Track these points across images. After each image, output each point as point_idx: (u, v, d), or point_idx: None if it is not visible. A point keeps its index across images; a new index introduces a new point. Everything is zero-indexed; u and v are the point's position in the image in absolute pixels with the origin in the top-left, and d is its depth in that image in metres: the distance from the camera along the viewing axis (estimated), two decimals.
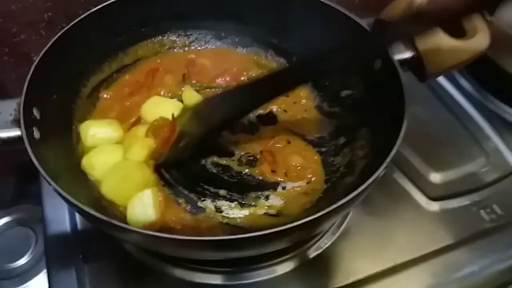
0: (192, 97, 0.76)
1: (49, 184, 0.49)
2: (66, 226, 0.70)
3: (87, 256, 0.66)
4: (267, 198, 0.66)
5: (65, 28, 0.67)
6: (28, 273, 0.83)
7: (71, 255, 0.66)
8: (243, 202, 0.66)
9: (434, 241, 0.69)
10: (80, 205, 0.47)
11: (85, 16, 0.69)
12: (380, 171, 0.51)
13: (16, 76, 0.86)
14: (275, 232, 0.45)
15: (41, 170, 0.49)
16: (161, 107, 0.73)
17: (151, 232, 0.45)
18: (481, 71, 0.92)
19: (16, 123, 0.55)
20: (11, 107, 0.57)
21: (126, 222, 0.59)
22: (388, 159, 0.53)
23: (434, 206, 0.74)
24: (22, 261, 0.83)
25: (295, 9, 0.76)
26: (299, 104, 0.78)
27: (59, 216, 0.71)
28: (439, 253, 0.68)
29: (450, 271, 0.67)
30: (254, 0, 0.78)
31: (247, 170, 0.69)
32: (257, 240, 0.47)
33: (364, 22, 0.70)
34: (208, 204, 0.65)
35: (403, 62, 0.66)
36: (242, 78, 0.81)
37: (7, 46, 0.83)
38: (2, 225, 0.88)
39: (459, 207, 0.74)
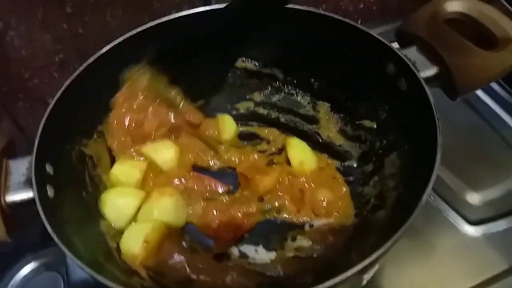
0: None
1: (64, 251, 0.47)
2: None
3: None
4: (294, 239, 0.62)
5: (76, 73, 0.64)
6: None
7: None
8: (269, 245, 0.62)
9: (479, 271, 0.64)
10: (95, 274, 0.45)
11: (97, 56, 0.66)
12: (413, 216, 0.46)
13: (33, 120, 0.85)
14: None
15: (55, 237, 0.47)
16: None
17: None
18: None
19: (28, 183, 0.53)
20: (23, 166, 0.56)
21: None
22: (423, 198, 0.48)
23: (475, 231, 0.69)
24: None
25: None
26: None
27: None
28: (485, 285, 0.63)
29: None
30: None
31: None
32: None
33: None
34: (232, 249, 0.62)
35: (430, 79, 0.61)
36: None
37: (21, 91, 0.82)
38: (29, 272, 0.86)
39: (503, 231, 0.68)
